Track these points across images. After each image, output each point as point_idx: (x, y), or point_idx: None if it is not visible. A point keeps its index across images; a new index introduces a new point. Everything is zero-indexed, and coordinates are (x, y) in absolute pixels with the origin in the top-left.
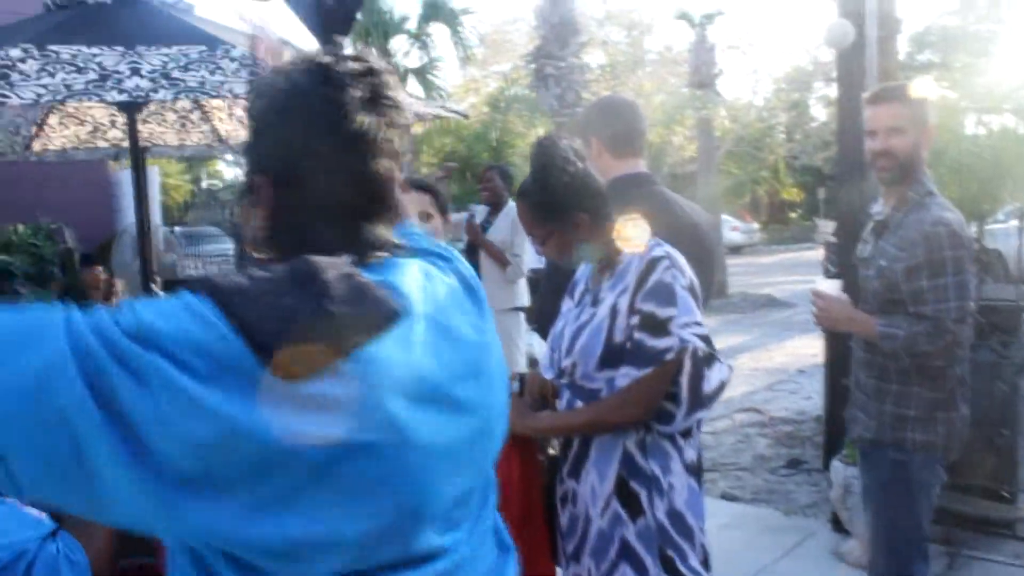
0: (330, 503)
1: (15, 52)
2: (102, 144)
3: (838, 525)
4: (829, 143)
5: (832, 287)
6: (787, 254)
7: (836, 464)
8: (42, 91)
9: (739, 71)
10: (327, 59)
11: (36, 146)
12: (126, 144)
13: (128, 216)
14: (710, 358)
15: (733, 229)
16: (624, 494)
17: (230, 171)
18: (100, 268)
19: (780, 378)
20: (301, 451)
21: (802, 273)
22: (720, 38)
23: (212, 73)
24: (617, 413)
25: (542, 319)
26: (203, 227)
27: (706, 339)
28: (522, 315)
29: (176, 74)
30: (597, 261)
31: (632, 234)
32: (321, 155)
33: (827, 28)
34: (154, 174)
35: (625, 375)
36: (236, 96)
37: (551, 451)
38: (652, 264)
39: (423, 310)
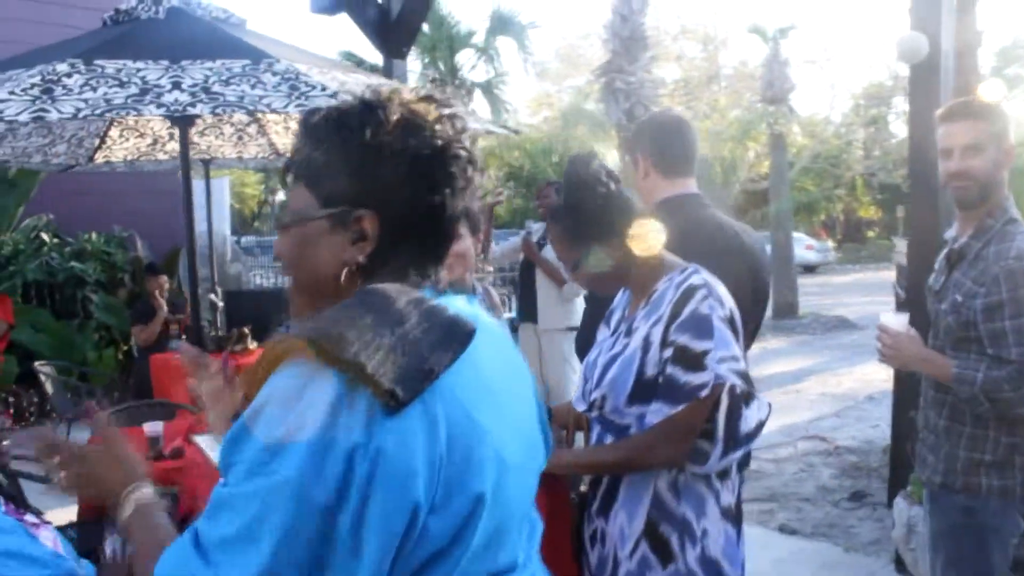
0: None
1: (62, 67)
2: (161, 156)
3: (901, 566)
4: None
5: (899, 322)
6: (863, 274)
7: (900, 502)
8: (82, 105)
9: (816, 86)
10: (424, 96)
11: (99, 157)
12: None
13: (196, 226)
14: (748, 396)
15: (807, 247)
16: (654, 537)
17: None
18: (164, 277)
19: (848, 404)
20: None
21: (877, 294)
22: (796, 52)
23: (253, 87)
24: (648, 454)
25: (583, 346)
26: (273, 237)
27: (744, 376)
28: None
29: (216, 88)
30: (635, 288)
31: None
32: (423, 196)
33: (898, 41)
34: (224, 184)
35: (656, 411)
36: (274, 111)
37: (583, 488)
38: (688, 293)
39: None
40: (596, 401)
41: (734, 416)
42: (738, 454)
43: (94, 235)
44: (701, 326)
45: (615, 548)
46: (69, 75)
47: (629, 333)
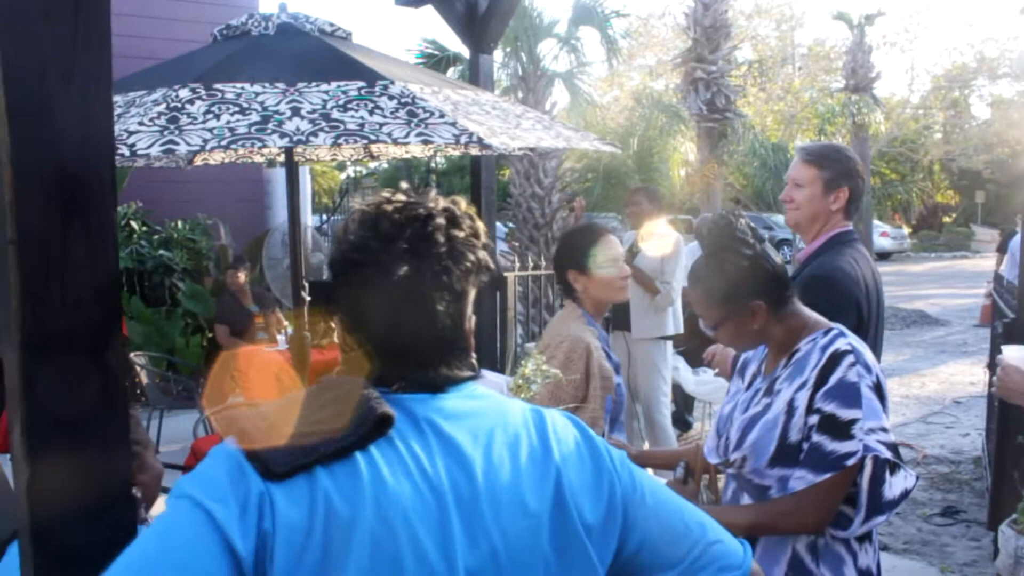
0: None
1: (184, 92)
2: (258, 159)
3: None
4: (991, 145)
5: (1018, 355)
6: (939, 263)
7: (1006, 530)
8: (208, 136)
9: (896, 67)
10: (382, 209)
11: (197, 160)
12: (282, 157)
13: (279, 214)
14: (895, 465)
15: (882, 235)
16: None
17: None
18: (242, 273)
19: (933, 409)
20: None
21: (956, 286)
22: (877, 35)
23: (371, 113)
24: (789, 520)
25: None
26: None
27: (892, 447)
28: (669, 344)
29: (336, 115)
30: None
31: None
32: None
33: None
34: (306, 174)
35: (801, 478)
36: (396, 141)
37: None
38: (835, 359)
39: (445, 425)
40: (735, 461)
41: (877, 482)
42: (881, 519)
43: (180, 223)
44: (849, 395)
45: None
46: (192, 101)
47: (770, 393)
